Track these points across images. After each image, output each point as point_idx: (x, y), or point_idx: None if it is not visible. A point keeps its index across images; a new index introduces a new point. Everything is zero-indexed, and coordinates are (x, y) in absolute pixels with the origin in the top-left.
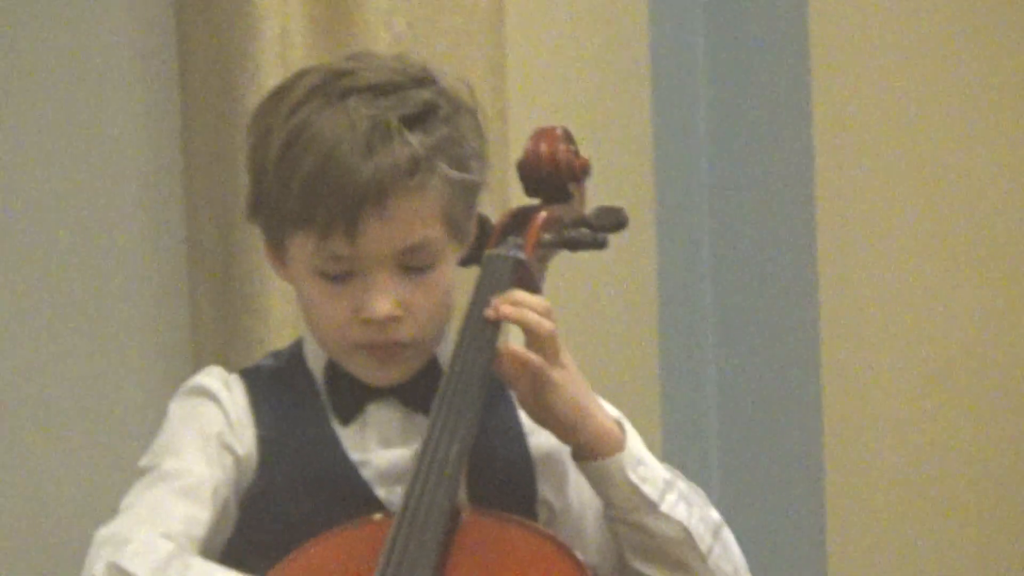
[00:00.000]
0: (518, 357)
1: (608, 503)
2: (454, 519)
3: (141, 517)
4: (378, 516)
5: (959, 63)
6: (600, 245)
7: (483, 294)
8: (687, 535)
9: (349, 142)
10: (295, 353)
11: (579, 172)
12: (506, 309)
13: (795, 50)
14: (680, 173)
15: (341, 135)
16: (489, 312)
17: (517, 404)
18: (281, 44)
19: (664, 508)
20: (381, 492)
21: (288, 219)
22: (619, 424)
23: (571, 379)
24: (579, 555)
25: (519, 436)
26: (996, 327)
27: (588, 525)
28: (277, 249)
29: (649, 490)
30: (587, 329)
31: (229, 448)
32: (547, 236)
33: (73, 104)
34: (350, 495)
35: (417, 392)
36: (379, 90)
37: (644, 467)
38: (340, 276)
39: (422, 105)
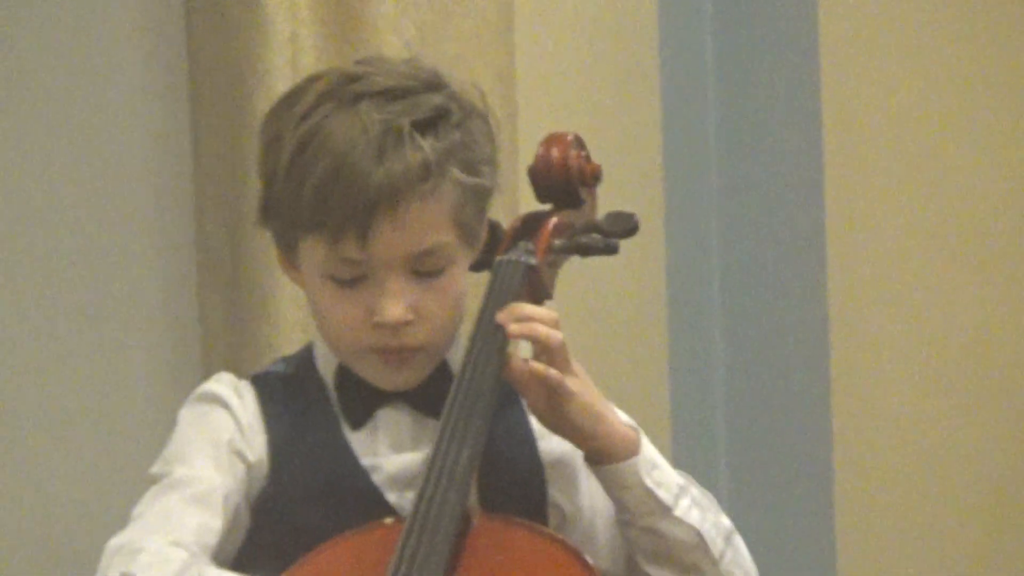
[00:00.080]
0: (536, 373)
1: (621, 507)
2: (465, 523)
3: (153, 526)
4: (389, 520)
5: (968, 66)
6: (611, 251)
7: (494, 299)
8: (700, 539)
9: (361, 147)
10: (305, 358)
11: (590, 178)
12: (514, 328)
13: (804, 55)
14: (689, 178)
15: (353, 140)
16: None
17: (527, 409)
18: (291, 49)
19: (678, 512)
20: (392, 497)
21: (300, 224)
22: (633, 428)
23: (584, 386)
24: (589, 559)
25: (529, 440)
26: (1005, 327)
27: (599, 529)
28: (288, 254)
29: (663, 494)
30: (597, 333)
31: (240, 455)
32: (558, 242)
33: (83, 109)
34: (361, 500)
35: (428, 397)
36: (390, 95)
37: (659, 471)
38: (352, 280)
39: (433, 110)
